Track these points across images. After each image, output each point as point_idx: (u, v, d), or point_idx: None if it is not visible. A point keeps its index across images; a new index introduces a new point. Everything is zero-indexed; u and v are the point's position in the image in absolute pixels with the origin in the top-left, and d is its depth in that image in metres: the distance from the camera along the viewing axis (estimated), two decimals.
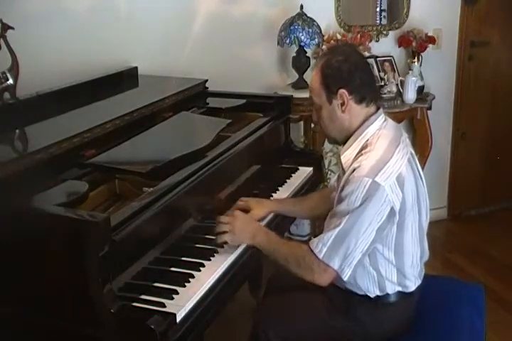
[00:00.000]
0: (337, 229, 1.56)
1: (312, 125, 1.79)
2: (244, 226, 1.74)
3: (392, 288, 1.71)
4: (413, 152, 1.72)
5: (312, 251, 1.59)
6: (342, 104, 1.66)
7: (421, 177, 1.72)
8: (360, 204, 1.54)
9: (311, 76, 1.74)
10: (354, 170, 1.59)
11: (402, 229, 1.63)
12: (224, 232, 1.72)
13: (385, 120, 1.71)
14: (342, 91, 1.65)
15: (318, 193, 2.11)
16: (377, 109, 1.72)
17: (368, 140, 1.66)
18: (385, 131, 1.67)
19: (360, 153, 1.64)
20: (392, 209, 1.56)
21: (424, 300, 1.81)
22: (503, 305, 2.85)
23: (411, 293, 1.74)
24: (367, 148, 1.63)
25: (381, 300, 1.72)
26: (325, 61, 1.69)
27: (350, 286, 1.72)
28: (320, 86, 1.68)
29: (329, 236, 1.57)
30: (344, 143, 1.73)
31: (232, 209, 1.89)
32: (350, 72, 1.65)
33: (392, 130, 1.70)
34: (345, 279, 1.59)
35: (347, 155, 1.70)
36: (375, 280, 1.69)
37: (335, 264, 1.57)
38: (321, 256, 1.57)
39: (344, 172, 1.69)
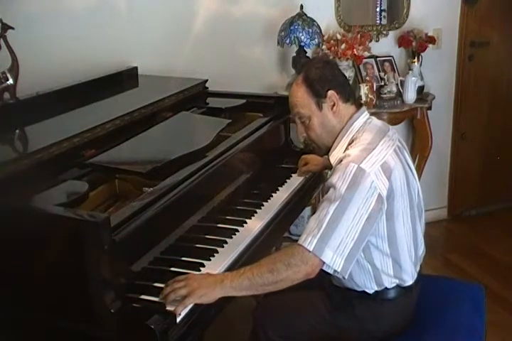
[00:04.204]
0: (326, 219, 1.53)
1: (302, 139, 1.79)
2: (202, 279, 1.52)
3: (389, 282, 1.71)
4: (401, 145, 1.74)
5: (301, 245, 1.53)
6: (333, 106, 1.72)
7: (411, 170, 1.73)
8: (347, 191, 1.54)
9: (291, 93, 1.78)
10: (341, 160, 1.62)
11: (392, 217, 1.64)
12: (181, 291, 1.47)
13: (369, 118, 1.76)
14: (331, 92, 1.71)
15: None
16: (359, 107, 1.77)
17: (353, 136, 1.71)
18: (369, 127, 1.72)
19: (347, 149, 1.68)
20: (379, 195, 1.56)
21: (424, 300, 1.81)
22: (503, 305, 2.85)
23: (409, 289, 1.74)
24: (353, 143, 1.68)
25: (380, 295, 1.72)
26: (304, 73, 1.75)
27: (348, 284, 1.73)
28: (306, 96, 1.73)
29: (319, 227, 1.53)
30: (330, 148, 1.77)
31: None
32: (333, 74, 1.74)
33: (377, 126, 1.74)
34: (338, 270, 1.53)
35: (335, 154, 1.73)
36: (371, 274, 1.69)
37: (326, 255, 1.52)
38: (311, 248, 1.52)
39: None
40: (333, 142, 1.75)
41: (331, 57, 2.91)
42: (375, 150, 1.62)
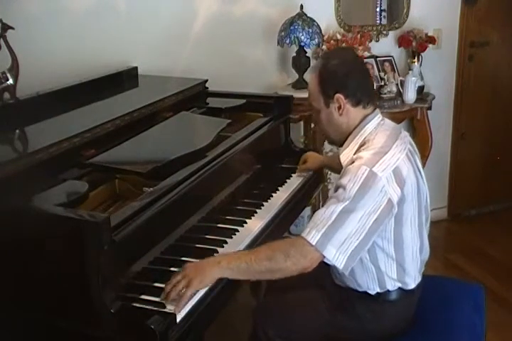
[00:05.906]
0: (332, 217, 1.53)
1: (312, 125, 1.84)
2: (197, 265, 1.55)
3: (392, 285, 1.71)
4: (413, 149, 1.73)
5: (304, 238, 1.53)
6: (339, 108, 1.71)
7: (421, 174, 1.73)
8: (357, 193, 1.53)
9: (309, 79, 1.78)
10: (353, 162, 1.61)
11: (401, 221, 1.63)
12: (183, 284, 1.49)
13: (382, 119, 1.74)
14: (338, 95, 1.69)
15: None
16: (374, 109, 1.75)
17: (365, 138, 1.69)
18: (382, 129, 1.70)
19: (358, 150, 1.67)
20: (389, 200, 1.55)
21: (424, 300, 1.81)
22: (503, 305, 2.85)
23: (411, 291, 1.74)
24: (365, 145, 1.66)
25: (381, 297, 1.72)
26: (322, 65, 1.74)
27: (350, 283, 1.73)
28: (317, 90, 1.73)
29: (324, 223, 1.53)
30: (343, 143, 1.76)
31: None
32: (346, 76, 1.69)
33: (390, 128, 1.73)
34: (340, 267, 1.54)
35: (345, 154, 1.72)
36: (375, 276, 1.69)
37: (329, 252, 1.52)
38: (314, 243, 1.51)
39: None
40: (344, 141, 1.74)
41: None
42: (388, 155, 1.60)
